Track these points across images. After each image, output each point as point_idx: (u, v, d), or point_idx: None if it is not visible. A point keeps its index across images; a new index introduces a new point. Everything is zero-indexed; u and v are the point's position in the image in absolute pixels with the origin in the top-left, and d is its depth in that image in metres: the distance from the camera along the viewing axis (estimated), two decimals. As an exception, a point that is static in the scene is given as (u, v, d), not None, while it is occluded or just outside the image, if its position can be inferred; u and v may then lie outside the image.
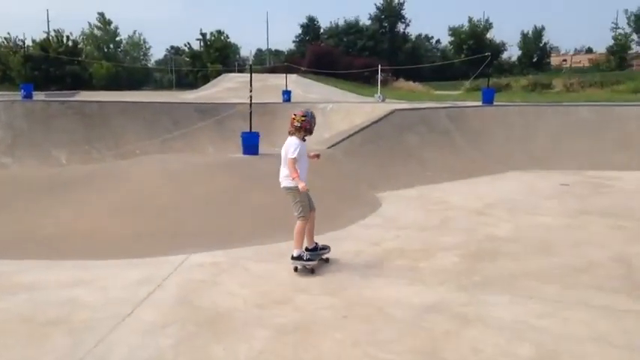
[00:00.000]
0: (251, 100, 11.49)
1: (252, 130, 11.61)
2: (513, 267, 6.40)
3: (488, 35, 62.02)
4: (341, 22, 65.35)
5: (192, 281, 5.90)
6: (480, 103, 17.29)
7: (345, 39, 61.63)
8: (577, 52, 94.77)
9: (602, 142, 14.13)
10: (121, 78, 54.59)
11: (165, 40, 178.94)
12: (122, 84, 50.79)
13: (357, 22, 64.43)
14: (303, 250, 6.30)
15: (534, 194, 10.61)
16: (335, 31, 64.20)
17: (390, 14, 67.76)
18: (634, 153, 13.56)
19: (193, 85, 49.35)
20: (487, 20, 63.08)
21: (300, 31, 69.45)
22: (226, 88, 34.22)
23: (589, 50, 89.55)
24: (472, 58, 34.94)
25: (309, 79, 36.52)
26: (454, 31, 63.08)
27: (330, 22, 69.34)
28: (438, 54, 73.90)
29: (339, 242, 7.32)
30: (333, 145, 12.11)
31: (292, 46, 70.15)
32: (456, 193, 10.66)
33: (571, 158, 13.58)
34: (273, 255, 6.83)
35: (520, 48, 65.38)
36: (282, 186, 6.41)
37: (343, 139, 12.42)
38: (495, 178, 12.30)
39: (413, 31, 78.43)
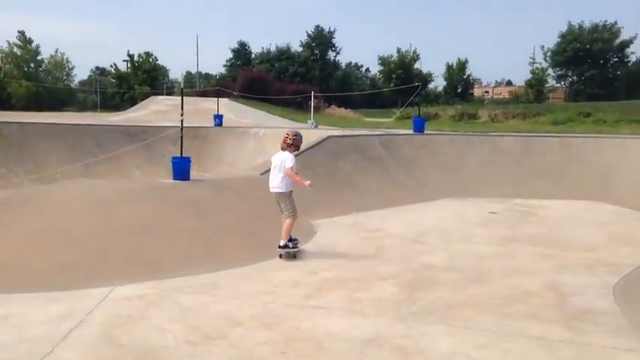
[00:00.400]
0: (182, 124, 11.15)
1: (183, 154, 11.24)
2: (450, 296, 6.38)
3: (416, 66, 64.13)
4: (272, 48, 65.75)
5: (117, 316, 5.49)
6: (411, 132, 17.62)
7: (276, 64, 61.96)
8: (498, 84, 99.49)
9: (526, 171, 14.65)
10: (42, 98, 52.37)
11: (90, 60, 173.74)
12: (43, 104, 48.70)
13: (288, 48, 65.02)
14: (287, 241, 7.75)
15: (465, 222, 10.78)
16: (267, 57, 64.46)
17: (321, 42, 68.89)
18: (556, 182, 14.13)
19: (119, 106, 47.97)
20: (415, 51, 65.28)
21: (231, 55, 69.35)
22: (155, 110, 33.41)
23: (509, 83, 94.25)
24: (402, 88, 35.88)
25: (241, 103, 36.28)
26: (384, 61, 64.86)
27: (262, 48, 69.66)
28: (368, 82, 75.65)
29: (275, 272, 7.10)
30: (266, 172, 11.88)
31: (223, 70, 69.85)
32: (390, 221, 10.67)
33: (498, 186, 13.97)
34: (205, 286, 6.51)
35: (445, 79, 67.96)
36: (274, 192, 7.87)
37: (277, 165, 12.24)
38: (427, 206, 12.45)
39: (343, 59, 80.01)
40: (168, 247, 7.85)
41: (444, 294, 6.46)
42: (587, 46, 56.58)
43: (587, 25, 58.03)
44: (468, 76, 68.87)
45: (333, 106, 38.55)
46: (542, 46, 63.27)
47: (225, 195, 10.46)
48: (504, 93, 79.67)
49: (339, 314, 5.74)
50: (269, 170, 11.57)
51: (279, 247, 7.71)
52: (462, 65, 67.41)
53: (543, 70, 60.94)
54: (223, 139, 20.31)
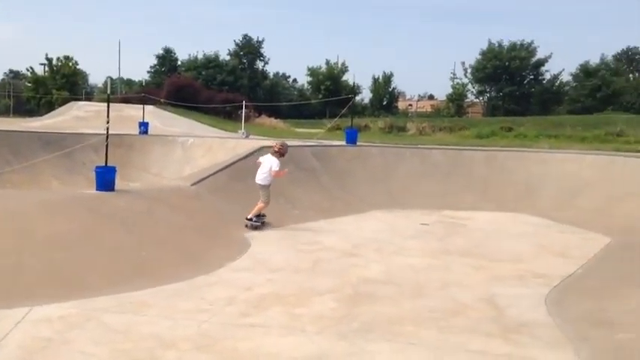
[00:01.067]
0: (108, 132, 10.57)
1: (107, 163, 10.63)
2: (389, 311, 6.29)
3: (345, 77, 64.86)
4: (200, 56, 64.57)
5: (36, 339, 5.03)
6: (343, 143, 17.65)
7: (203, 72, 60.83)
8: (421, 98, 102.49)
9: (454, 183, 14.97)
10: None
11: (3, 63, 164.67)
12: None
13: (216, 56, 64.05)
14: (256, 217, 10.52)
15: (398, 234, 10.81)
16: (193, 64, 63.17)
17: (249, 51, 68.36)
18: (482, 194, 14.51)
19: (34, 111, 45.54)
20: (343, 63, 65.99)
21: (155, 61, 67.49)
22: (75, 116, 31.89)
23: (431, 97, 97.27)
24: (334, 99, 36.18)
25: (168, 111, 35.27)
26: (312, 72, 65.09)
27: (189, 55, 68.27)
28: (295, 92, 75.80)
29: (209, 288, 6.79)
30: (197, 182, 11.51)
31: (147, 76, 67.83)
32: (324, 233, 10.56)
33: (428, 198, 14.18)
34: (133, 305, 6.10)
35: (371, 91, 69.09)
36: (259, 183, 10.74)
37: (208, 176, 11.87)
38: (360, 218, 12.43)
39: (271, 69, 79.81)
40: (92, 263, 7.34)
41: (384, 309, 6.37)
42: (506, 64, 59.20)
43: (505, 43, 60.80)
44: (393, 89, 70.30)
45: (263, 115, 38.28)
46: (463, 62, 65.66)
47: (154, 206, 9.97)
48: (427, 106, 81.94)
49: (278, 333, 5.52)
50: (200, 181, 11.81)
51: (246, 219, 10.45)
52: (388, 78, 68.73)
53: (464, 86, 63.19)
54: (149, 147, 19.58)
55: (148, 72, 68.93)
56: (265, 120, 37.00)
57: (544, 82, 62.10)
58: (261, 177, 10.73)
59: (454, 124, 29.01)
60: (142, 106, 26.08)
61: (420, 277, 7.77)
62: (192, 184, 11.31)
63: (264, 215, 10.69)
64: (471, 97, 66.35)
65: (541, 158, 15.60)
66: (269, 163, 10.72)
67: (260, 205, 10.55)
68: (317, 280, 7.45)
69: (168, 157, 19.20)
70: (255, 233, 10.14)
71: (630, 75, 71.61)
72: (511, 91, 60.77)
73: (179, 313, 5.93)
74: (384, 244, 9.84)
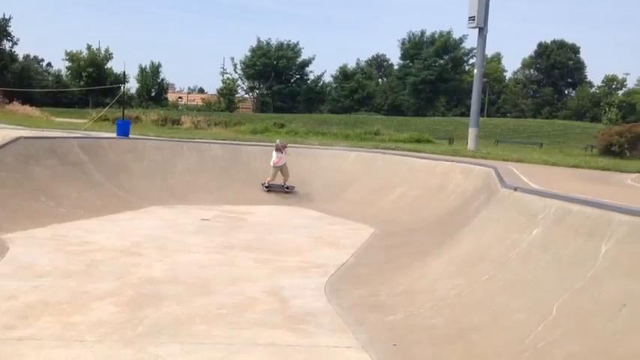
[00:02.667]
0: None
1: None
2: (177, 311, 6.06)
3: (109, 65, 61.18)
4: None
5: None
6: (114, 135, 16.54)
7: None
8: (191, 90, 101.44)
9: (233, 178, 15.07)
10: None
11: None
12: None
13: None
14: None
15: (179, 230, 10.51)
16: None
17: (-6, 29, 60.48)
18: (260, 188, 14.87)
19: None
20: (107, 50, 62.13)
21: None
22: None
23: (201, 90, 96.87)
24: (99, 88, 33.72)
25: None
26: (72, 56, 60.00)
27: None
28: (50, 78, 69.19)
29: (-39, 303, 5.78)
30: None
31: None
32: (98, 232, 9.76)
33: (208, 193, 14.06)
34: None
35: (139, 81, 66.39)
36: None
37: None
38: (137, 214, 11.79)
39: (20, 51, 71.35)
40: None
41: (171, 309, 6.11)
42: (275, 62, 61.78)
43: (274, 42, 63.33)
44: (162, 80, 68.42)
45: (15, 102, 33.96)
46: (232, 58, 66.79)
47: None
48: (197, 100, 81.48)
49: (52, 345, 4.93)
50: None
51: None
52: (156, 69, 66.63)
53: (234, 81, 64.27)
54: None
55: None
56: (18, 107, 32.93)
57: (309, 81, 66.23)
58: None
59: (229, 118, 29.25)
60: None
61: (206, 273, 7.64)
62: None
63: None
64: (241, 93, 67.83)
65: (313, 154, 16.53)
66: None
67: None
68: (93, 283, 6.85)
69: None
70: (14, 235, 8.93)
71: (379, 79, 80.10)
72: (280, 89, 63.57)
73: None
74: (165, 241, 9.47)
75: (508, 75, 77.13)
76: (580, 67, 76.92)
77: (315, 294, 7.02)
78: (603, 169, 13.48)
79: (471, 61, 59.71)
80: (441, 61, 61.24)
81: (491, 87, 66.35)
